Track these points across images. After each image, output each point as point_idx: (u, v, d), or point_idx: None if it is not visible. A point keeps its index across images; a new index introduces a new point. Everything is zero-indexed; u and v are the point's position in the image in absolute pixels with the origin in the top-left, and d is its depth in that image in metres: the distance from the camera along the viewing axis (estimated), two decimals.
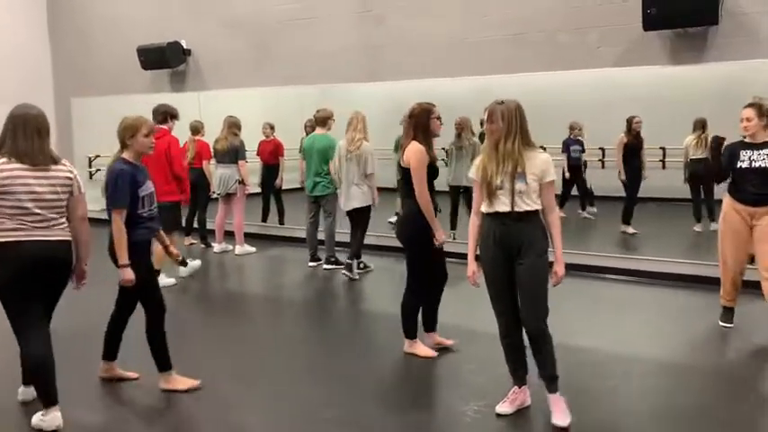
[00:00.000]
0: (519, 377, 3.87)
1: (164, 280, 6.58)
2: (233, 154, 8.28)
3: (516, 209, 3.51)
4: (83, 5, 11.43)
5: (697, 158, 8.30)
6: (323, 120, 7.44)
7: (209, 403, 4.07)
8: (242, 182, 8.39)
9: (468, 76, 7.87)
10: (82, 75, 11.46)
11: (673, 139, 8.76)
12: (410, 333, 4.76)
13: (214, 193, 8.74)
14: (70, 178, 3.72)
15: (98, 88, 11.18)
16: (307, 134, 8.47)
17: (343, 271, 7.15)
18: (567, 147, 9.26)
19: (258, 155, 9.66)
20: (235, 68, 9.79)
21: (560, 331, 5.30)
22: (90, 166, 11.59)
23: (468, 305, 5.13)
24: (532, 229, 3.57)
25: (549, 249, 3.66)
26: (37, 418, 3.68)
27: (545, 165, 3.54)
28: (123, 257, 3.94)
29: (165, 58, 10.04)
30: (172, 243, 4.87)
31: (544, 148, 3.86)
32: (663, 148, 9.35)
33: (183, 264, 7.24)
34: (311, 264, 7.72)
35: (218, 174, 8.51)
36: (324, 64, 8.90)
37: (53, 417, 3.62)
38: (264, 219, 9.83)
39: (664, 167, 9.32)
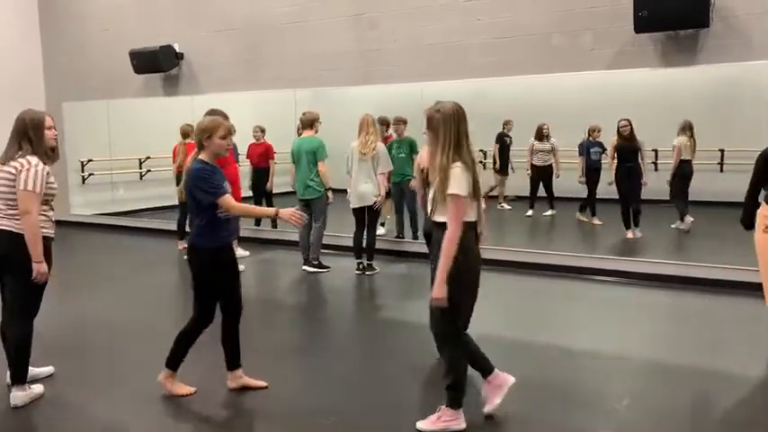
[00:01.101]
0: (482, 371, 3.87)
1: None
2: None
3: (431, 217, 3.59)
4: (74, 9, 11.40)
5: (686, 159, 8.40)
6: (310, 122, 7.51)
7: (205, 408, 4.06)
8: None
9: (461, 78, 7.89)
10: (73, 79, 11.41)
11: (665, 142, 8.79)
12: None
13: None
14: (12, 173, 3.94)
15: (90, 92, 11.15)
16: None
17: (368, 272, 7.37)
18: (586, 149, 9.27)
19: (248, 158, 9.65)
20: (228, 72, 9.77)
21: (556, 333, 5.35)
22: (82, 171, 11.55)
23: None
24: (441, 240, 3.53)
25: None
26: None
27: (448, 178, 3.40)
28: (268, 211, 4.13)
29: (157, 62, 10.01)
30: None
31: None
32: (655, 151, 9.40)
33: None
34: (305, 267, 7.71)
35: None
36: (317, 67, 8.90)
37: None
38: (257, 222, 9.83)
39: (656, 169, 9.37)
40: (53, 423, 3.95)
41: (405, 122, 8.26)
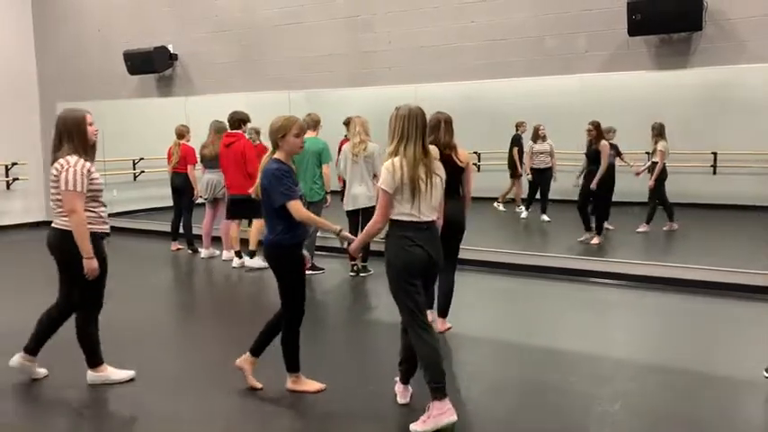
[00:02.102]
0: (404, 374, 4.02)
1: (253, 262, 7.91)
2: None
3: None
4: (69, 9, 11.37)
5: (664, 162, 8.48)
6: (315, 123, 7.53)
7: (201, 407, 4.05)
8: None
9: (455, 81, 7.91)
10: (68, 79, 11.38)
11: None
12: (446, 313, 5.15)
13: (200, 197, 8.72)
14: (55, 175, 4.04)
15: (84, 93, 11.11)
16: None
17: (362, 274, 7.41)
18: None
19: None
20: (222, 73, 9.77)
21: (548, 335, 5.36)
22: None
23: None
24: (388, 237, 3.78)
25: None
26: None
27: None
28: (332, 227, 4.09)
29: (151, 63, 10.00)
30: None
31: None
32: (648, 153, 9.42)
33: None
34: None
35: (205, 179, 8.50)
36: (312, 69, 8.91)
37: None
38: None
39: (649, 172, 9.39)
40: (51, 424, 3.94)
41: None
